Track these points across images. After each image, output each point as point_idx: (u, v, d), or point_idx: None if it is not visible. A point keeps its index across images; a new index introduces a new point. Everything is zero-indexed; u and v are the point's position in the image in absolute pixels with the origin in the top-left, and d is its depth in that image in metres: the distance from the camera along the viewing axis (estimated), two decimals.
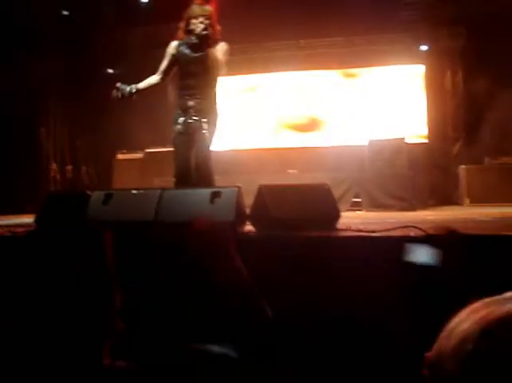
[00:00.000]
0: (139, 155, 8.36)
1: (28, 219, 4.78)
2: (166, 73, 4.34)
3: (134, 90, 4.26)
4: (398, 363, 2.67)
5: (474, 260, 2.88)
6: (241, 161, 8.25)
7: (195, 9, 4.07)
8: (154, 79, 4.37)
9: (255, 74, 9.08)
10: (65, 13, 8.39)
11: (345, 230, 3.51)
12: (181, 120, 4.21)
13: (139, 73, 8.53)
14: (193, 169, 4.25)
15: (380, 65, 8.80)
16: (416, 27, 8.19)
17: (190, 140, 4.18)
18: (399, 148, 7.38)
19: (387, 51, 8.55)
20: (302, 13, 7.92)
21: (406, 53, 8.54)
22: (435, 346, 0.80)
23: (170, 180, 7.68)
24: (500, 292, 0.83)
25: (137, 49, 8.53)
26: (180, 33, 4.18)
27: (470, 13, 7.68)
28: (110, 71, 9.16)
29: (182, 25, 4.15)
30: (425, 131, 8.57)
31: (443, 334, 0.79)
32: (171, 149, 8.27)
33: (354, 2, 7.69)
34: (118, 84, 4.24)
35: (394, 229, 3.33)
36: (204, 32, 3.99)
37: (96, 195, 3.90)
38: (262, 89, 9.16)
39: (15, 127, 7.89)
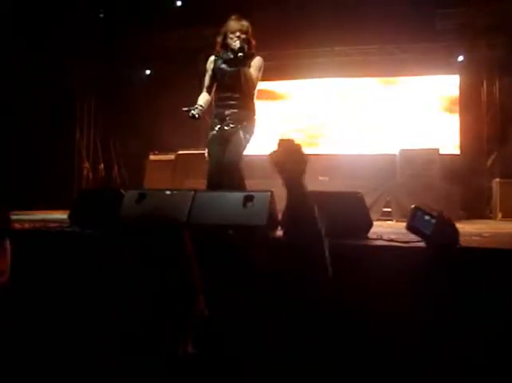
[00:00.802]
0: (170, 156, 8.45)
1: (61, 215, 4.88)
2: (210, 87, 4.49)
3: (202, 110, 4.37)
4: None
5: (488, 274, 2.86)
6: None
7: (233, 24, 4.19)
8: (206, 96, 4.48)
9: (289, 80, 9.10)
10: (101, 15, 8.53)
11: (377, 239, 3.49)
12: (217, 127, 4.37)
13: (172, 75, 8.74)
14: (225, 173, 4.31)
15: (414, 75, 8.73)
16: (452, 37, 8.10)
17: (224, 145, 4.29)
18: (432, 158, 7.30)
19: (422, 60, 8.47)
20: (337, 20, 7.92)
21: (441, 63, 8.45)
22: None
23: (201, 182, 7.79)
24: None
25: (171, 52, 8.64)
26: (218, 48, 4.32)
27: (507, 23, 7.59)
28: (147, 72, 9.29)
29: (219, 39, 4.29)
30: (458, 142, 8.46)
31: None
32: (202, 151, 8.41)
33: (389, 11, 7.67)
34: (185, 109, 4.33)
35: (424, 240, 3.29)
36: (240, 48, 4.10)
37: (130, 194, 3.95)
38: (295, 95, 9.17)
39: (51, 125, 8.06)
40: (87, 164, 9.00)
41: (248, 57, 4.21)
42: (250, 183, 4.55)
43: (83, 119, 8.96)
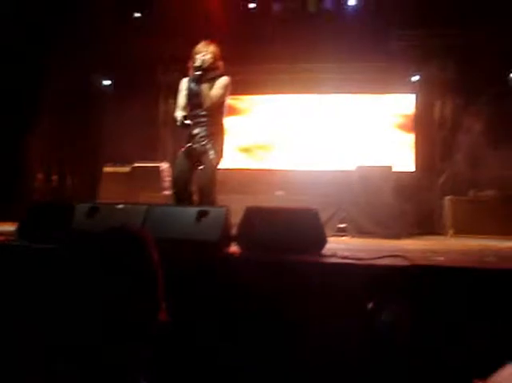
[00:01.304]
0: (126, 168, 8.32)
1: (10, 227, 4.71)
2: (184, 107, 4.72)
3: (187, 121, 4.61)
4: None
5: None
6: (229, 181, 8.24)
7: (200, 46, 4.55)
8: (180, 114, 4.71)
9: (248, 96, 9.12)
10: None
11: (331, 256, 3.50)
12: (187, 145, 4.59)
13: (130, 86, 8.64)
14: (190, 187, 4.55)
15: (370, 93, 8.89)
16: (408, 57, 8.29)
17: (191, 161, 4.53)
18: (387, 175, 7.41)
19: (378, 79, 8.63)
20: (295, 37, 8.02)
21: (397, 83, 8.64)
22: None
23: (156, 195, 7.71)
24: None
25: (129, 63, 8.55)
26: (190, 70, 4.61)
27: (457, 45, 7.84)
28: (105, 82, 9.16)
29: (190, 62, 4.59)
30: (412, 160, 8.64)
31: None
32: (158, 164, 8.33)
33: (347, 30, 7.81)
34: (179, 122, 4.63)
35: (380, 257, 3.32)
36: (200, 65, 4.43)
37: (81, 208, 3.85)
38: (253, 110, 9.20)
39: (1, 134, 7.82)
40: (40, 175, 8.76)
41: (215, 77, 4.52)
42: (221, 199, 4.65)
43: (35, 128, 8.71)
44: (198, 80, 4.50)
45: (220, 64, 4.56)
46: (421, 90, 8.62)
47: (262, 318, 3.02)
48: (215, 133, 4.60)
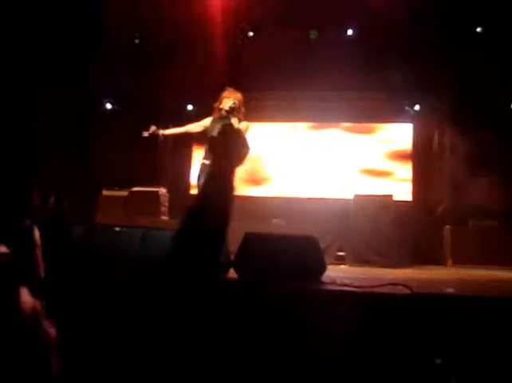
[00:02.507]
0: (124, 192, 8.29)
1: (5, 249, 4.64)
2: (189, 131, 5.32)
3: (161, 134, 5.23)
4: None
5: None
6: None
7: (227, 93, 5.08)
8: (177, 130, 5.32)
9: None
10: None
11: (330, 283, 3.45)
12: (203, 174, 4.93)
13: (132, 108, 8.68)
14: None
15: (369, 122, 8.93)
16: (406, 87, 8.33)
17: None
18: (386, 204, 7.39)
19: (376, 108, 8.68)
20: (296, 65, 8.08)
21: (395, 112, 8.68)
22: None
23: (152, 220, 7.66)
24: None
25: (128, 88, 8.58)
26: (215, 111, 5.11)
27: (455, 78, 7.91)
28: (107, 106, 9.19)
29: (217, 104, 5.10)
30: (410, 189, 8.63)
31: None
32: (156, 189, 8.31)
33: (346, 59, 7.86)
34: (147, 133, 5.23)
35: (380, 286, 3.27)
36: (231, 107, 4.99)
37: (77, 230, 3.81)
38: (253, 137, 9.18)
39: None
40: (37, 197, 8.71)
41: (238, 120, 5.02)
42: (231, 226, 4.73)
43: (34, 149, 8.68)
44: (222, 119, 5.02)
45: (242, 109, 5.13)
46: (419, 120, 8.66)
47: (259, 343, 2.96)
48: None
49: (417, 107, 8.51)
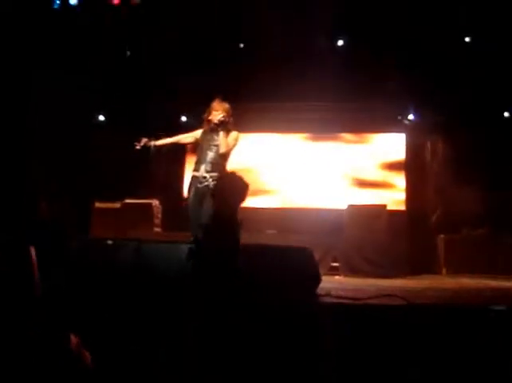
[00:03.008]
0: (116, 205, 8.25)
1: None
2: (176, 141, 5.49)
3: (153, 145, 5.32)
4: None
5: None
6: None
7: (215, 104, 5.21)
8: (168, 140, 5.43)
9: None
10: None
11: (325, 295, 3.43)
12: (194, 186, 5.10)
13: (125, 119, 8.65)
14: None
15: (361, 132, 8.95)
16: (400, 97, 8.35)
17: (199, 201, 5.00)
18: (379, 213, 7.39)
19: (369, 119, 8.70)
20: (286, 76, 8.08)
21: (389, 122, 8.70)
22: None
23: (147, 233, 7.62)
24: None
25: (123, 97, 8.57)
26: (205, 124, 5.24)
27: (452, 88, 7.93)
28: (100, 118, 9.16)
29: (206, 115, 5.23)
30: (404, 198, 8.64)
31: None
32: (149, 201, 8.28)
33: (338, 70, 7.88)
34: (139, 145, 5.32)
35: (375, 297, 3.26)
36: (220, 120, 5.12)
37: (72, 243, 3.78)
38: (245, 149, 9.17)
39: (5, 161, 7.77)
40: (43, 204, 8.64)
41: (227, 130, 5.17)
42: None
43: (26, 156, 8.62)
44: (212, 130, 5.18)
45: (231, 119, 5.24)
46: (411, 129, 8.68)
47: (252, 359, 2.93)
48: (220, 176, 5.10)
49: (411, 116, 8.53)
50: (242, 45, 8.50)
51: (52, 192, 8.81)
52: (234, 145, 5.27)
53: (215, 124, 5.14)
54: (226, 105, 5.26)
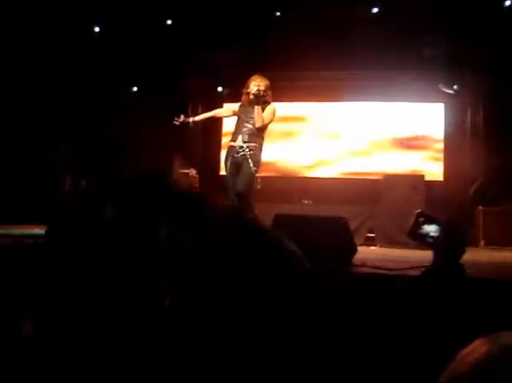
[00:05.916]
0: None
1: (40, 230, 4.74)
2: (217, 115, 5.96)
3: (191, 121, 5.65)
4: None
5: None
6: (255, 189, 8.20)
7: (255, 78, 5.38)
8: (206, 115, 5.84)
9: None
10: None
11: (361, 266, 3.44)
12: (230, 156, 5.35)
13: (159, 92, 8.69)
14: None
15: (399, 101, 8.79)
16: (438, 65, 8.15)
17: (236, 170, 5.31)
18: (417, 184, 7.29)
19: (407, 88, 8.52)
20: (325, 45, 7.96)
21: (427, 91, 8.51)
22: (445, 373, 0.81)
23: None
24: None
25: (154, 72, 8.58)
26: (244, 97, 5.43)
27: (492, 52, 7.68)
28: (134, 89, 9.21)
29: (245, 89, 5.41)
30: (442, 169, 8.51)
31: (454, 363, 0.81)
32: (187, 171, 8.34)
33: (376, 38, 7.72)
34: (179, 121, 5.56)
35: (411, 268, 3.25)
36: (258, 92, 5.27)
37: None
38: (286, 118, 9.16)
39: (33, 137, 7.94)
40: (68, 179, 8.82)
41: (265, 103, 5.32)
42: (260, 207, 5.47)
43: (64, 131, 8.79)
44: (250, 103, 5.33)
45: (270, 93, 5.36)
46: (451, 98, 8.48)
47: (287, 330, 2.96)
48: (257, 147, 5.36)
49: (455, 87, 8.29)
50: (278, 14, 8.39)
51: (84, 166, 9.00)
52: (270, 119, 5.37)
53: (253, 96, 5.25)
54: (265, 79, 5.38)
